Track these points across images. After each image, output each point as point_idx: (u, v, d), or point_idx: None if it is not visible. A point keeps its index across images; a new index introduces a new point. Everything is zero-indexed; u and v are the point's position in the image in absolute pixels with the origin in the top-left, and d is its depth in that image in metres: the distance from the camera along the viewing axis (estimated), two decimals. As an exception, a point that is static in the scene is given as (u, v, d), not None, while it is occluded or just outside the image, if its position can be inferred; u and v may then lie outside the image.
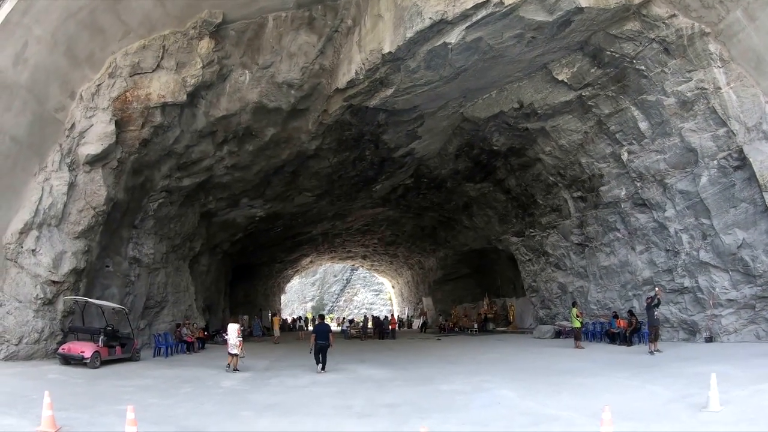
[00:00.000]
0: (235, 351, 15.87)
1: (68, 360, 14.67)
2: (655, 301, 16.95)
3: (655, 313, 17.02)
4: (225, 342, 26.18)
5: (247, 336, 28.77)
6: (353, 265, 70.25)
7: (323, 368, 15.63)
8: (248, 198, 25.50)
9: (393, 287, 65.17)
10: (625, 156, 20.24)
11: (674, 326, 19.60)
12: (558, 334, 25.89)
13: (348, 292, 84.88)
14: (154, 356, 19.06)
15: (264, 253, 39.07)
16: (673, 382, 11.42)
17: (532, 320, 34.05)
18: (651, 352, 16.39)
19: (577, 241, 25.15)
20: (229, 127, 19.71)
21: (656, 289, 17.82)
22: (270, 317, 45.99)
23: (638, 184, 20.16)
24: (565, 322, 25.62)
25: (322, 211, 31.98)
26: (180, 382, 13.33)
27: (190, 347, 21.29)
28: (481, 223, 33.57)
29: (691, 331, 18.88)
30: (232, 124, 19.53)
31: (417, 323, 50.60)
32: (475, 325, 36.05)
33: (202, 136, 19.61)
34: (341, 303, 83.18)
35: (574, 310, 20.56)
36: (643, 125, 18.97)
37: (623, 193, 21.14)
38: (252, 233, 31.26)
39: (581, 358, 17.24)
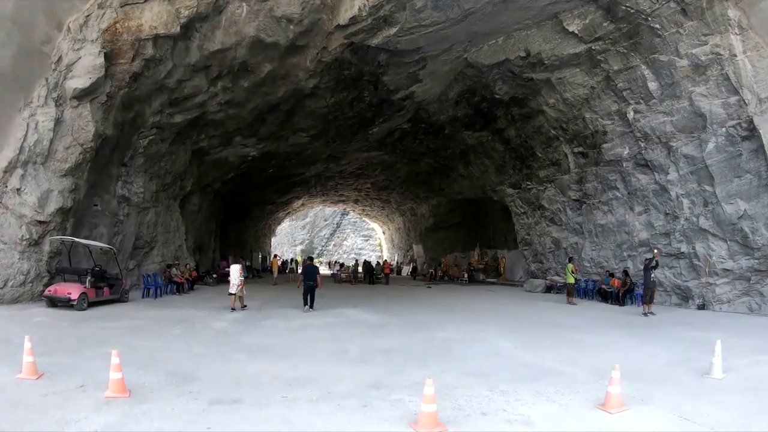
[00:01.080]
0: (234, 291, 16.23)
1: (55, 302, 14.28)
2: (653, 263, 16.83)
3: (652, 275, 16.92)
4: (216, 283, 26.46)
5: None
6: (344, 210, 70.07)
7: (311, 306, 16.45)
8: (242, 136, 24.69)
9: (383, 233, 65.25)
10: (630, 114, 19.93)
11: (667, 290, 19.78)
12: (549, 288, 26.01)
13: (338, 237, 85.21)
14: (143, 297, 18.75)
15: (256, 193, 38.49)
16: (671, 345, 11.39)
17: (522, 273, 34.21)
18: (645, 314, 16.41)
19: (574, 197, 24.89)
20: (223, 62, 18.70)
21: (654, 251, 17.72)
22: (260, 258, 46.11)
23: (642, 144, 19.93)
24: (557, 277, 25.68)
25: (317, 152, 31.28)
26: (169, 323, 13.00)
27: (179, 288, 21.05)
28: (477, 172, 33.13)
29: (684, 297, 19.03)
30: (227, 58, 18.52)
31: (406, 270, 50.92)
32: (466, 275, 36.17)
33: (196, 70, 18.63)
34: (330, 247, 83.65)
35: (570, 266, 20.49)
36: (653, 85, 18.62)
37: (626, 152, 20.91)
38: (245, 173, 30.56)
39: (575, 313, 17.25)
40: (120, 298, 16.89)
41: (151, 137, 19.84)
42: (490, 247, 41.93)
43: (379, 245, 73.77)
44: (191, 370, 8.25)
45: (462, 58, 22.42)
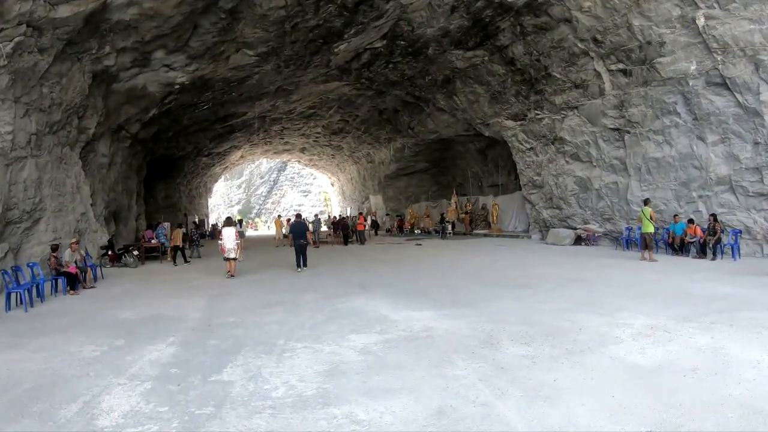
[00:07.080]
0: (233, 255, 14.62)
1: None
2: None
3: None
4: (137, 263, 18.95)
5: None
6: (286, 162, 63.24)
7: (305, 265, 15.79)
8: (164, 51, 17.15)
9: (332, 185, 58.54)
10: (701, 21, 15.37)
11: (756, 238, 15.56)
12: (579, 239, 20.95)
13: (275, 194, 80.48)
14: (8, 310, 10.65)
15: (187, 140, 30.56)
16: None
17: (517, 222, 29.15)
18: None
19: (611, 126, 19.57)
20: None
21: None
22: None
23: (718, 58, 15.36)
24: (591, 225, 20.65)
25: (264, 81, 24.16)
26: (19, 402, 5.10)
27: (72, 283, 12.78)
28: (463, 103, 27.29)
29: (782, 246, 14.61)
30: None
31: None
32: (449, 228, 30.76)
33: None
34: (269, 205, 78.89)
35: (648, 210, 15.15)
36: (734, -17, 14.23)
37: (693, 67, 16.16)
38: (171, 110, 22.84)
39: (684, 274, 12.04)
40: None
41: (18, 39, 12.17)
42: (464, 195, 36.66)
43: (326, 199, 67.52)
44: None
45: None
